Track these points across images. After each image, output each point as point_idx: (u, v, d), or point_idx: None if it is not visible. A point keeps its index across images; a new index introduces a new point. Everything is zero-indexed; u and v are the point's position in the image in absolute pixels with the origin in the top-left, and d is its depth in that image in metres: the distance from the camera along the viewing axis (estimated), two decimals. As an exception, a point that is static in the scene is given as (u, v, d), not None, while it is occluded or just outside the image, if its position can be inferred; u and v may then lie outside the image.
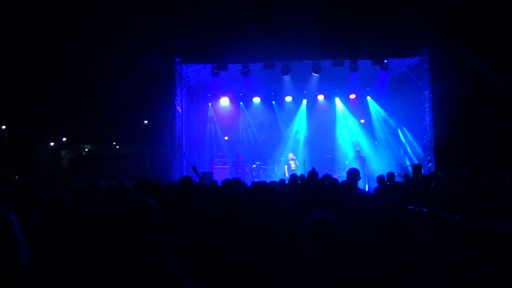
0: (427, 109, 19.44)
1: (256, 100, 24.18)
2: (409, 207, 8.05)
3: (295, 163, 21.95)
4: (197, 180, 9.52)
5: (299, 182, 10.25)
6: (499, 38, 16.95)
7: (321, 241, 2.92)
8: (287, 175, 20.42)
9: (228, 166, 21.45)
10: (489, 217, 6.61)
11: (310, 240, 2.95)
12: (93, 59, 20.51)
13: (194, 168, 10.83)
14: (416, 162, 19.90)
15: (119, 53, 18.91)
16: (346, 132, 24.44)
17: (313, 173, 9.20)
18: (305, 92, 23.71)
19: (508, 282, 5.29)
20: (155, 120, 21.41)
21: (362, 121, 24.40)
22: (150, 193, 5.55)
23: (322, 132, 24.46)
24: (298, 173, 12.88)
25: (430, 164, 19.07)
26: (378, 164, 21.53)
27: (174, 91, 19.52)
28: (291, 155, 22.46)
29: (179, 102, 19.59)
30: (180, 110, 19.59)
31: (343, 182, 8.67)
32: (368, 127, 24.24)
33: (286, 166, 22.04)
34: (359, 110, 24.31)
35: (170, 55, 18.98)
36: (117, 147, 44.76)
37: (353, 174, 8.31)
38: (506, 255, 5.61)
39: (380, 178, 11.22)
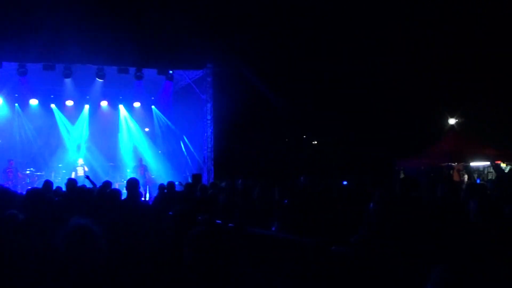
0: (208, 121, 20.21)
1: (34, 102, 22.49)
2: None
3: (83, 169, 20.98)
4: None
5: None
6: (276, 56, 18.49)
7: (80, 247, 2.87)
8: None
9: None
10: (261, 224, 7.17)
11: (68, 247, 2.88)
12: None
13: None
14: (196, 172, 20.50)
15: None
16: (129, 140, 24.17)
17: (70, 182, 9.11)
18: (88, 97, 22.81)
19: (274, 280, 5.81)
20: None
21: (147, 129, 24.39)
22: None
23: (105, 139, 23.82)
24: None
25: (209, 174, 19.84)
26: (161, 173, 21.74)
27: None
28: (80, 161, 21.42)
29: None
30: None
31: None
32: (153, 136, 24.32)
33: (73, 173, 20.94)
34: (144, 118, 24.26)
35: None
36: None
37: (132, 183, 8.42)
38: (274, 260, 6.15)
39: (160, 187, 11.40)
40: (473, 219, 4.79)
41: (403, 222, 5.06)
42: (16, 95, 22.03)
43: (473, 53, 22.31)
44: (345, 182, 10.74)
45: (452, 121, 21.93)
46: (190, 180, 18.30)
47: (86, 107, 23.43)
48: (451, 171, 17.89)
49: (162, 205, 9.71)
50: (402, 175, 19.40)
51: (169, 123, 23.69)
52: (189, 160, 22.46)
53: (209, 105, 20.20)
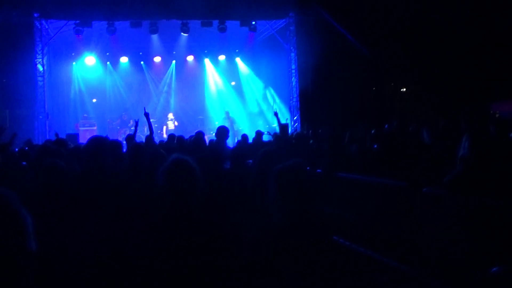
0: (293, 71, 20.01)
1: (124, 60, 23.27)
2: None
3: (173, 123, 21.75)
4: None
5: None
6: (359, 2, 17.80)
7: (179, 178, 3.08)
8: (165, 135, 20.10)
9: (95, 127, 20.49)
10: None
11: (168, 178, 3.09)
12: None
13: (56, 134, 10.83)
14: (283, 122, 20.41)
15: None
16: (216, 93, 24.56)
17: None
18: (174, 52, 23.30)
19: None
20: (13, 79, 19.70)
21: (233, 83, 24.60)
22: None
23: (193, 94, 24.39)
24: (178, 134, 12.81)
25: (296, 124, 19.78)
26: (248, 125, 22.00)
27: (33, 48, 18.04)
28: (171, 115, 22.27)
29: (39, 60, 18.26)
30: (41, 69, 18.31)
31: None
32: (238, 89, 24.52)
33: (164, 127, 21.77)
34: (229, 71, 24.46)
35: (28, 9, 17.43)
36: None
37: (222, 131, 8.61)
38: (366, 204, 6.07)
39: (243, 136, 11.59)
40: None
41: (497, 163, 4.82)
42: (108, 53, 22.83)
43: None
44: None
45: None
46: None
47: (173, 62, 23.98)
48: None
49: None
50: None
51: (254, 75, 23.74)
52: (276, 111, 22.43)
53: (293, 54, 19.96)
